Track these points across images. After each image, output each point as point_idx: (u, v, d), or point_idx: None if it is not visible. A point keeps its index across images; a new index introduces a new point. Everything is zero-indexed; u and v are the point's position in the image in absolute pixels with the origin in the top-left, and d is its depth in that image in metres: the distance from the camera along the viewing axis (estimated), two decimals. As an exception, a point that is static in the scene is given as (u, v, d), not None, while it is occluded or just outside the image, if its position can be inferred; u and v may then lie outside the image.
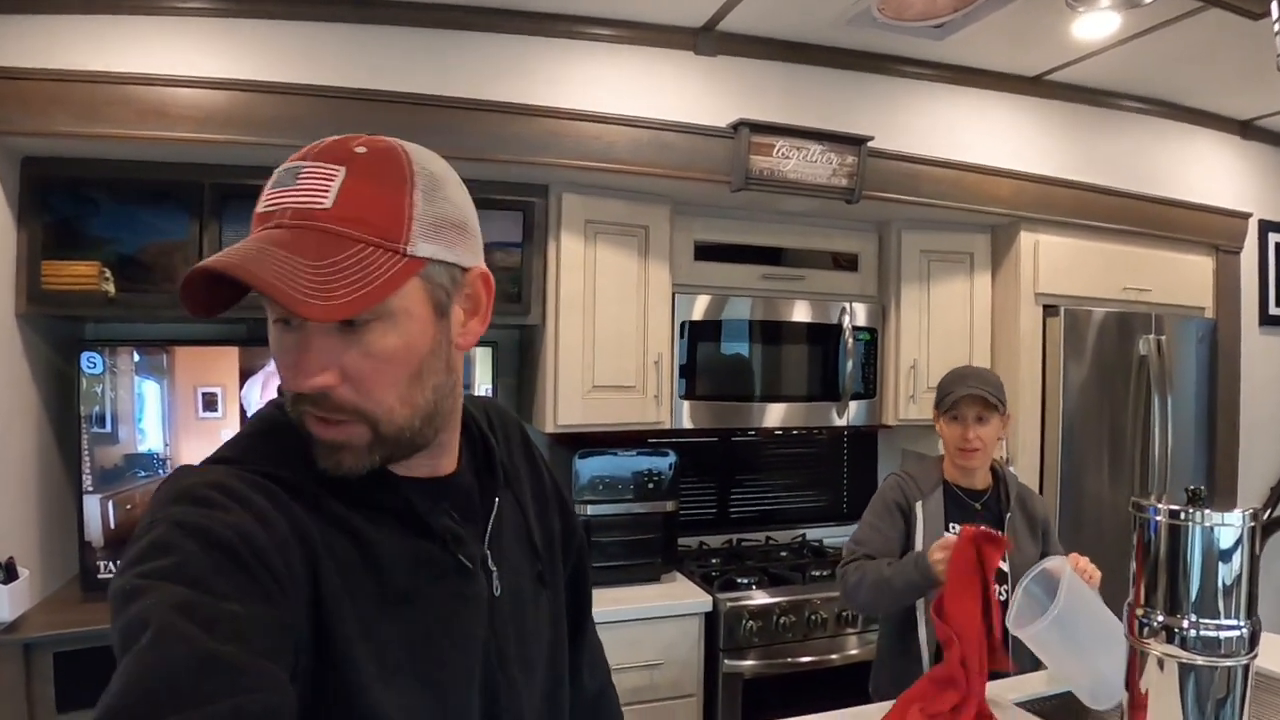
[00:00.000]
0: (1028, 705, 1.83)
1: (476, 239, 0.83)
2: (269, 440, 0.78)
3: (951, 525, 2.14)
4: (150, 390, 2.51)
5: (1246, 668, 1.51)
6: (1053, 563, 1.80)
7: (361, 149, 0.74)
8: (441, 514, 0.83)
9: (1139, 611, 1.58)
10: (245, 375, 2.55)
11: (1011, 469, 3.08)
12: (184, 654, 0.59)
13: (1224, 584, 1.50)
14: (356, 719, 0.72)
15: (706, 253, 3.07)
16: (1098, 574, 1.88)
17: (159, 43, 2.29)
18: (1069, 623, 1.74)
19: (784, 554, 3.32)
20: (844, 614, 2.83)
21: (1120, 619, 1.69)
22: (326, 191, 0.71)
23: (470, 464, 0.91)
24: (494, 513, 0.90)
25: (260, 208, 0.73)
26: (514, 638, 0.88)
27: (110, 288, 2.41)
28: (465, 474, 0.89)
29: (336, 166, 0.72)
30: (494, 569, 0.87)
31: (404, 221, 0.73)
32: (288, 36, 2.39)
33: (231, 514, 0.69)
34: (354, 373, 0.73)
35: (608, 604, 2.66)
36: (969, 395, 2.12)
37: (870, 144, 2.86)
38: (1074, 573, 1.79)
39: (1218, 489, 3.55)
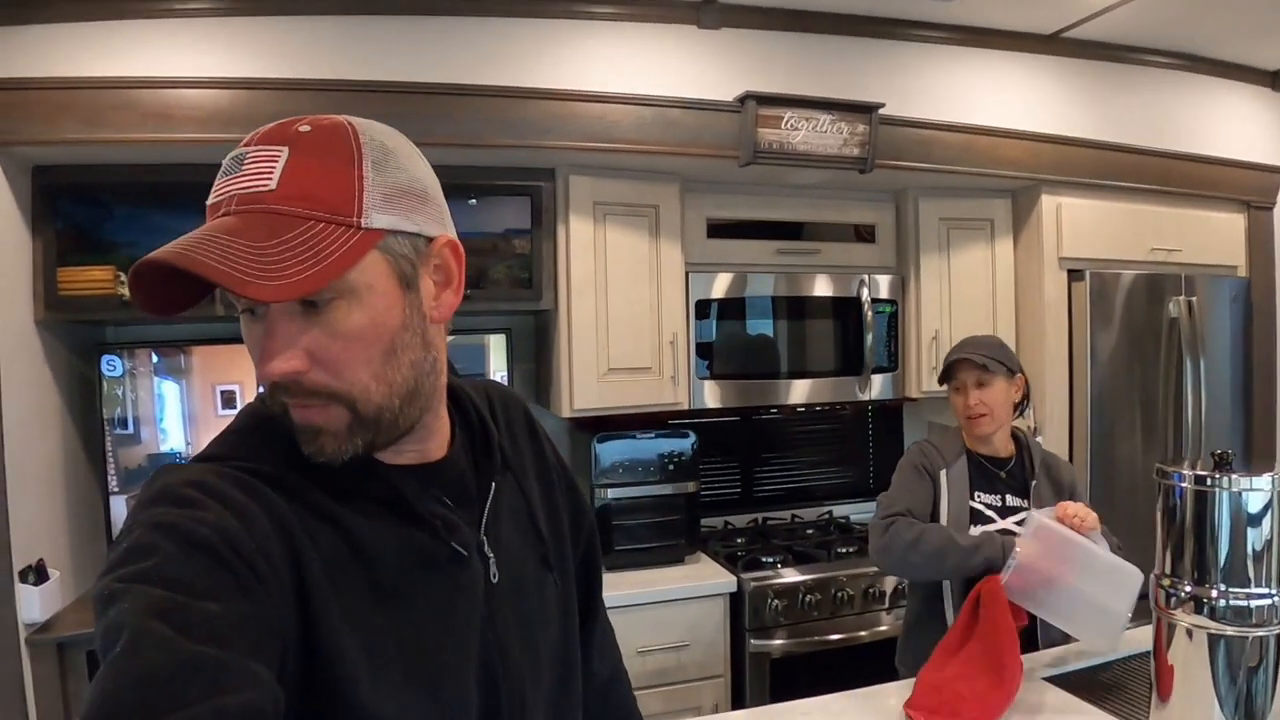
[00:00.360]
0: (1056, 680, 1.80)
1: (440, 208, 0.80)
2: (254, 435, 0.78)
3: (976, 493, 2.11)
4: (170, 390, 2.55)
5: (1279, 637, 1.47)
6: (1034, 518, 1.80)
7: (305, 128, 0.72)
8: (431, 500, 0.81)
9: (1165, 582, 1.54)
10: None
11: (1039, 438, 3.03)
12: (160, 658, 0.58)
13: (1253, 551, 1.46)
14: (348, 716, 0.71)
15: (719, 230, 3.03)
16: (1091, 517, 1.84)
17: (159, 46, 2.30)
18: (1042, 568, 1.74)
19: (810, 531, 3.29)
20: (871, 590, 2.81)
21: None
22: (270, 174, 0.70)
23: (465, 447, 0.89)
24: (490, 497, 0.88)
25: (210, 199, 0.72)
26: (516, 625, 0.87)
27: (126, 291, 2.43)
28: (458, 458, 0.87)
29: (279, 148, 0.71)
30: (491, 555, 0.85)
31: (354, 194, 0.71)
32: (285, 32, 2.38)
33: (210, 512, 0.67)
34: (322, 354, 0.72)
35: (632, 586, 2.67)
36: (961, 360, 2.11)
37: (881, 111, 2.80)
38: (1044, 521, 1.78)
39: (1256, 453, 3.46)
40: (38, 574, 2.27)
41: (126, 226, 2.48)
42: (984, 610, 1.77)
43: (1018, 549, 1.76)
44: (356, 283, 0.71)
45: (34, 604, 2.24)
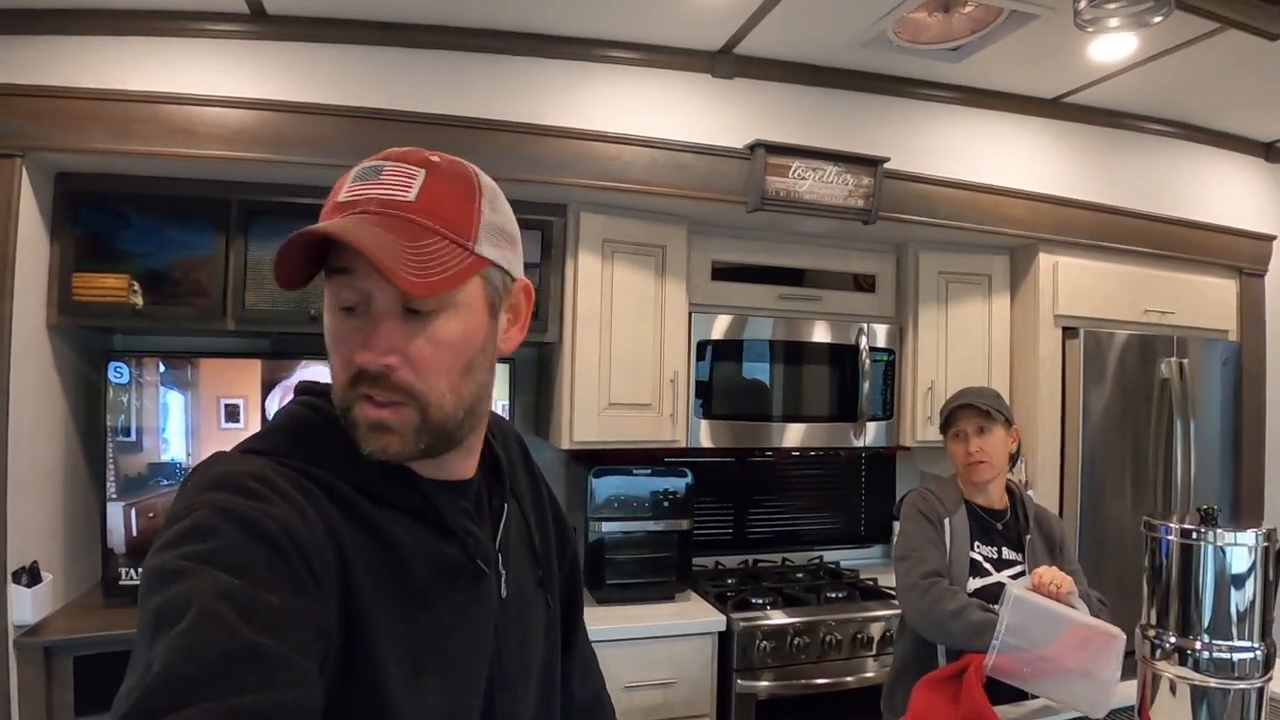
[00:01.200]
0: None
1: (520, 253, 0.88)
2: (300, 437, 0.80)
3: (975, 544, 2.13)
4: (175, 401, 2.57)
5: (1261, 690, 1.49)
6: (1009, 592, 1.78)
7: (436, 159, 0.80)
8: (461, 515, 0.85)
9: (1150, 633, 1.57)
10: (268, 387, 2.60)
11: (1031, 492, 3.07)
12: (224, 641, 0.59)
13: (1237, 606, 1.49)
14: (377, 715, 0.73)
15: (723, 273, 3.09)
16: (1067, 582, 1.83)
17: (189, 63, 2.37)
18: (1028, 641, 1.73)
19: (800, 575, 3.30)
20: (859, 635, 2.81)
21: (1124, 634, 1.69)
22: (410, 188, 0.77)
23: (482, 469, 0.93)
24: (504, 517, 0.92)
25: (341, 197, 0.78)
26: (515, 641, 0.90)
27: (138, 300, 2.47)
28: (479, 479, 0.92)
29: (417, 168, 0.78)
30: (503, 572, 0.89)
31: (473, 223, 0.79)
32: (312, 58, 2.45)
33: (274, 506, 0.70)
34: (415, 356, 0.77)
35: (621, 621, 2.67)
36: (963, 407, 2.14)
37: (886, 165, 2.87)
38: (1021, 594, 1.78)
39: (1243, 513, 3.50)
40: (31, 576, 2.27)
41: (143, 237, 2.52)
42: (965, 693, 1.77)
43: (1000, 629, 1.74)
44: (459, 299, 0.79)
45: (25, 606, 2.24)
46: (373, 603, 0.74)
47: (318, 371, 2.53)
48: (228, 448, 0.80)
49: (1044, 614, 1.75)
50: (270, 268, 2.54)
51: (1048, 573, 1.85)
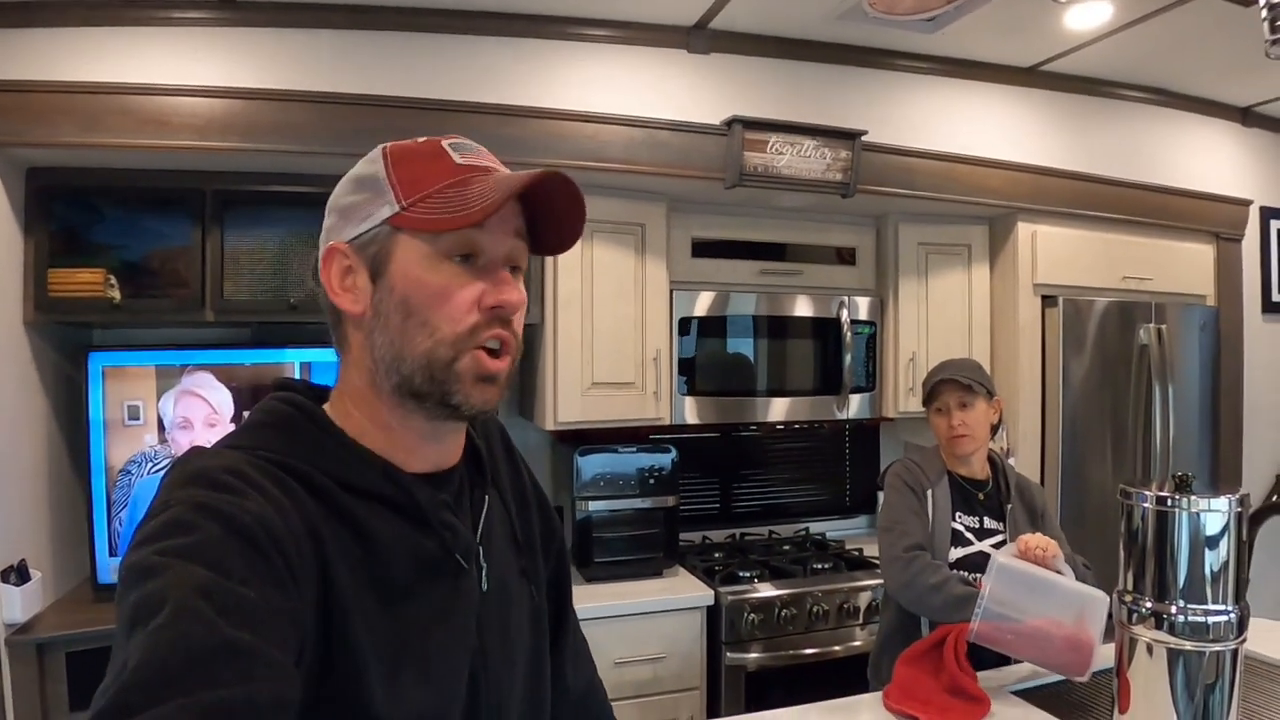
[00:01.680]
0: (1024, 694, 1.84)
1: None
2: (278, 431, 0.80)
3: (957, 514, 2.15)
4: (155, 396, 2.56)
5: (1235, 653, 1.52)
6: (995, 560, 1.81)
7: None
8: (441, 508, 0.85)
9: (1127, 598, 1.59)
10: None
11: (1012, 460, 3.10)
12: (201, 636, 0.59)
13: (1211, 569, 1.51)
14: (357, 711, 0.73)
15: (703, 249, 3.08)
16: (1052, 546, 1.85)
17: (158, 53, 2.33)
18: (1013, 609, 1.76)
19: (787, 547, 3.33)
20: (845, 605, 2.85)
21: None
22: (501, 165, 0.87)
23: (464, 460, 0.93)
24: (485, 509, 0.92)
25: (463, 160, 0.83)
26: (499, 633, 0.90)
27: (116, 294, 2.45)
28: (461, 470, 0.92)
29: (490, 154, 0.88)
30: (484, 565, 0.89)
31: None
32: (283, 44, 2.42)
33: (250, 500, 0.70)
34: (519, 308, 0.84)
35: (610, 598, 2.69)
36: (945, 381, 2.15)
37: (864, 138, 2.87)
38: (1005, 562, 1.80)
39: (1221, 477, 3.55)
40: (19, 574, 2.27)
41: (119, 230, 2.49)
42: (945, 663, 1.80)
43: (983, 598, 1.76)
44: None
45: (15, 604, 2.24)
46: (351, 597, 0.74)
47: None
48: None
49: (1029, 580, 1.78)
50: (248, 255, 2.54)
51: (1034, 538, 1.87)
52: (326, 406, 0.86)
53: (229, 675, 0.59)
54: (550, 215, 0.86)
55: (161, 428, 2.58)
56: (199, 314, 2.52)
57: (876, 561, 2.85)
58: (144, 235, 2.51)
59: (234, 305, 2.54)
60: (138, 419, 2.57)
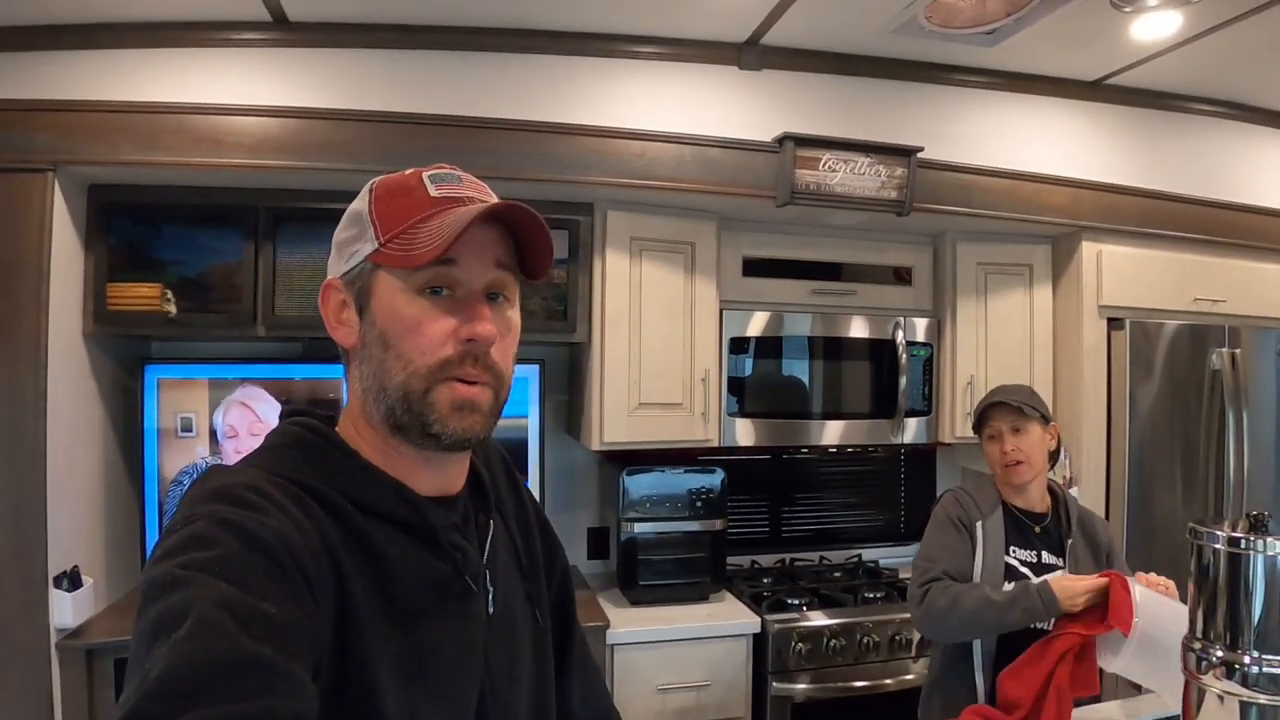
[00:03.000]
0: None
1: None
2: (296, 452, 0.82)
3: (1012, 548, 2.07)
4: (209, 407, 2.61)
5: (1312, 706, 1.42)
6: (1139, 590, 1.77)
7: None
8: (453, 531, 0.86)
9: (1196, 645, 1.50)
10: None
11: (1075, 490, 2.98)
12: (223, 649, 0.60)
13: (1289, 616, 1.41)
14: None
15: (755, 268, 3.04)
16: (1171, 584, 1.83)
17: (213, 74, 2.38)
18: (1151, 639, 1.69)
19: (837, 574, 3.25)
20: (898, 638, 2.76)
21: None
22: (490, 193, 0.87)
23: (467, 486, 0.93)
24: (491, 534, 0.92)
25: (438, 193, 0.83)
26: (505, 657, 0.90)
27: (172, 308, 2.50)
28: (465, 496, 0.92)
29: (479, 181, 0.88)
30: (490, 589, 0.89)
31: None
32: (335, 64, 2.45)
33: (271, 517, 0.71)
34: (499, 339, 0.83)
35: (654, 622, 2.65)
36: (995, 405, 2.07)
37: (920, 155, 2.80)
38: (1145, 589, 1.74)
39: (1301, 511, 3.36)
40: (71, 580, 2.31)
41: (175, 245, 2.56)
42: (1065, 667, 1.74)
43: (1137, 629, 1.71)
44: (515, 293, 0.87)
45: (66, 610, 2.28)
46: (365, 616, 0.75)
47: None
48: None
49: (1167, 609, 1.73)
50: (299, 271, 2.57)
51: (1150, 575, 1.86)
52: (338, 429, 0.87)
53: (250, 689, 0.59)
54: (526, 243, 0.86)
55: (214, 439, 2.62)
56: (251, 329, 2.56)
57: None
58: (200, 251, 2.57)
59: (285, 320, 2.57)
60: (190, 430, 2.62)
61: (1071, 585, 1.82)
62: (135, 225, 2.53)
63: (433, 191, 0.83)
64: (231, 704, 0.57)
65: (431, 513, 0.83)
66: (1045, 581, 1.86)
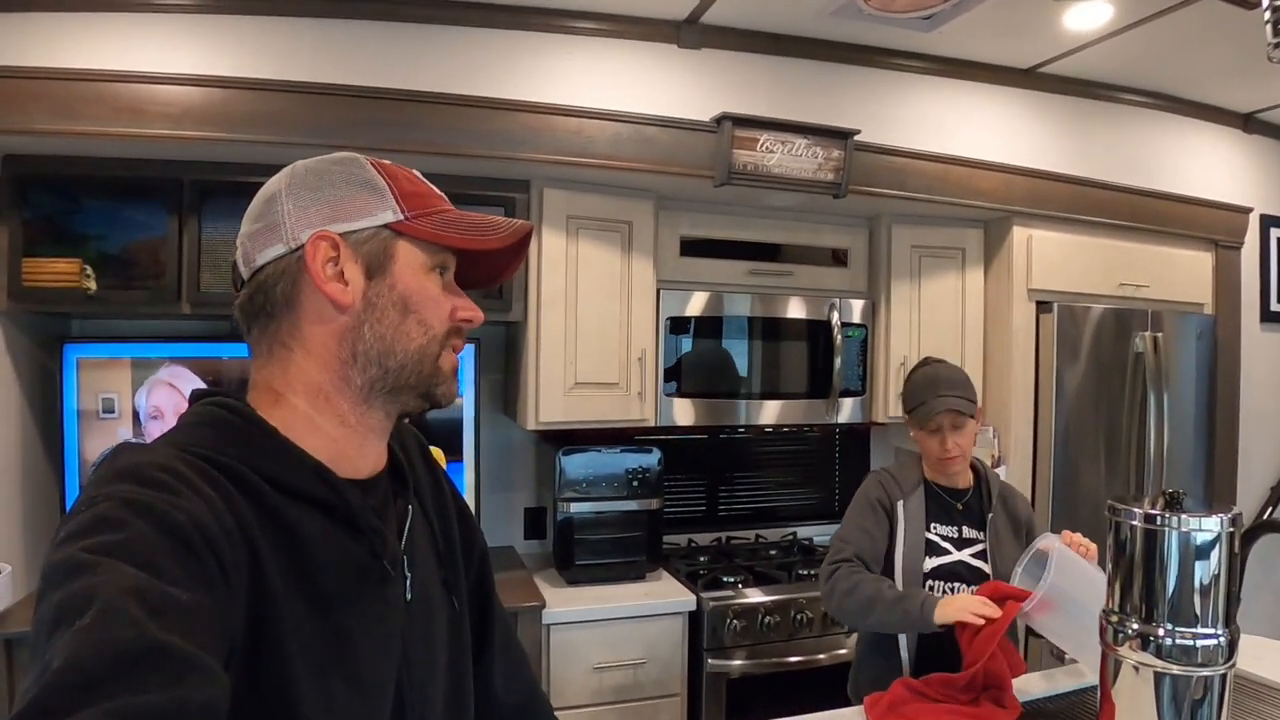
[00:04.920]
0: (1031, 704, 1.80)
1: None
2: (212, 429, 0.78)
3: (933, 525, 2.10)
4: (130, 387, 2.52)
5: (1224, 677, 1.47)
6: (1044, 541, 1.82)
7: None
8: (371, 514, 0.84)
9: (1113, 618, 1.55)
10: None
11: (1003, 469, 3.05)
12: (129, 638, 0.57)
13: (1201, 591, 1.46)
14: (283, 716, 0.72)
15: (693, 248, 3.04)
16: (1094, 547, 1.86)
17: (134, 40, 2.29)
18: (1065, 593, 1.74)
19: (773, 552, 3.29)
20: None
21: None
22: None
23: (385, 470, 0.92)
24: (409, 519, 0.91)
25: (425, 189, 0.89)
26: (422, 643, 0.89)
27: (91, 284, 2.41)
28: (384, 478, 0.91)
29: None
30: (409, 575, 0.88)
31: None
32: (262, 32, 2.37)
33: (182, 498, 0.68)
34: None
35: (591, 602, 2.65)
36: (945, 410, 2.03)
37: (857, 138, 2.82)
38: (1064, 546, 1.78)
39: (1216, 488, 3.50)
40: (-13, 568, 2.23)
41: (95, 219, 2.46)
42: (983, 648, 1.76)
43: (1048, 576, 1.72)
44: None
45: (-19, 599, 2.21)
46: (281, 601, 0.73)
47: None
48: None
49: (1081, 569, 1.76)
50: (225, 247, 2.49)
51: (1075, 535, 1.89)
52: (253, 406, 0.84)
53: (157, 680, 0.56)
54: (504, 263, 0.95)
55: (136, 421, 2.54)
56: (175, 306, 2.48)
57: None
58: (121, 225, 2.48)
59: (211, 298, 2.50)
60: (112, 412, 2.53)
61: (949, 605, 1.80)
62: (53, 198, 2.43)
63: (422, 185, 0.89)
64: (137, 696, 0.54)
65: (350, 494, 0.81)
66: (929, 597, 1.87)
